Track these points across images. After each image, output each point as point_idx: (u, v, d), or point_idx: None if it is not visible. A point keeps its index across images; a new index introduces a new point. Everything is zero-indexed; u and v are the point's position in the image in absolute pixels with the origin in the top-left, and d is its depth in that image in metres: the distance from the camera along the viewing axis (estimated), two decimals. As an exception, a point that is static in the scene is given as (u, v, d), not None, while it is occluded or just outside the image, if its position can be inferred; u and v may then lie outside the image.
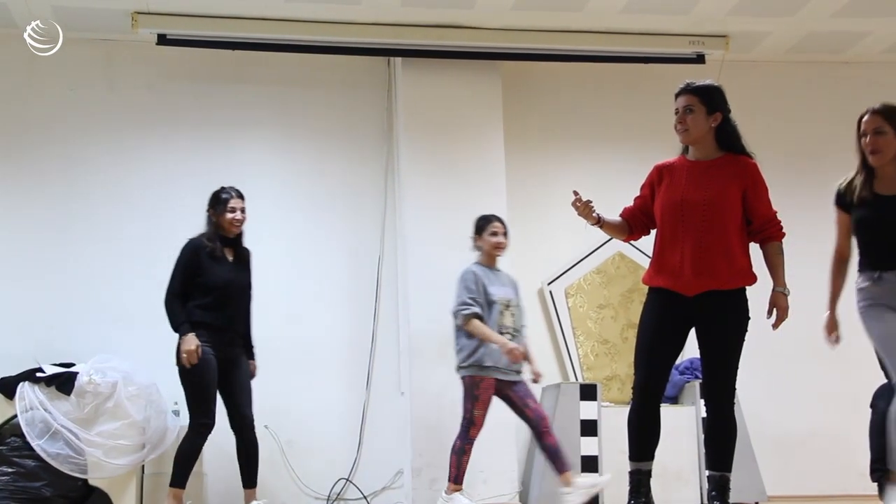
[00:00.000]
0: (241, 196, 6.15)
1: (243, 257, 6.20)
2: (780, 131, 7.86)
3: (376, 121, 7.71)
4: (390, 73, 7.73)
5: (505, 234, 6.22)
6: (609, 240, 7.32)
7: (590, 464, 6.67)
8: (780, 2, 7.14)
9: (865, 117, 4.93)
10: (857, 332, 6.97)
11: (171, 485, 5.86)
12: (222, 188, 6.17)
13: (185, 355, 5.76)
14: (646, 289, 4.90)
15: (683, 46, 7.60)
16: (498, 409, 7.06)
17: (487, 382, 5.97)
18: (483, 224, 6.23)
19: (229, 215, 6.07)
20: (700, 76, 4.96)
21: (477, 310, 5.98)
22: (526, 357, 6.06)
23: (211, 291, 5.93)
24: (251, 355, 6.21)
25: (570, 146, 7.91)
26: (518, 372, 6.06)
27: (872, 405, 6.51)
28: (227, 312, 5.97)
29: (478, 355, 5.97)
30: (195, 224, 6.44)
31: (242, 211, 6.13)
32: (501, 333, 5.97)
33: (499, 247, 6.19)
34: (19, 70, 7.37)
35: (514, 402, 6.07)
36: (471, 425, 5.98)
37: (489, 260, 6.21)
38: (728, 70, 7.23)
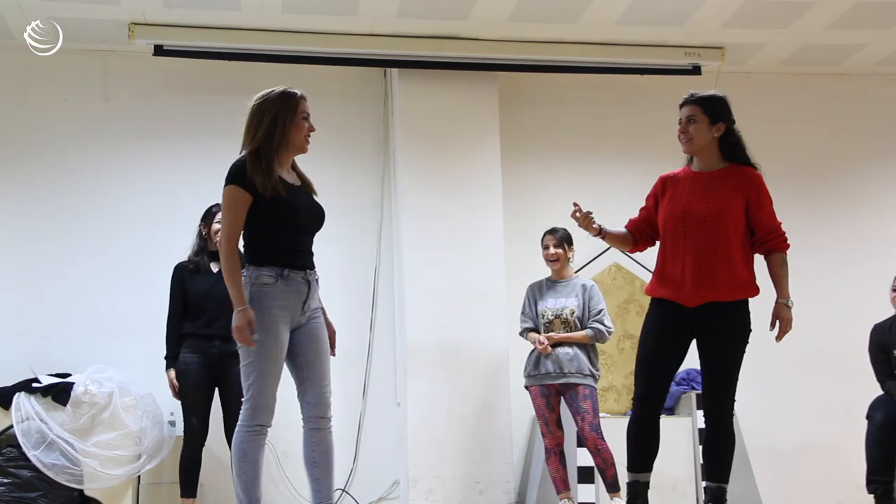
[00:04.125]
0: None
1: None
2: (776, 143, 7.87)
3: (373, 132, 7.71)
4: (387, 84, 7.74)
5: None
6: (605, 250, 7.34)
7: (586, 475, 6.66)
8: (774, 14, 7.16)
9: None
10: (852, 345, 7.04)
11: (180, 494, 6.19)
12: (214, 204, 6.38)
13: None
14: (643, 299, 4.93)
15: (679, 58, 7.62)
16: (494, 419, 7.09)
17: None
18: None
19: (215, 226, 6.30)
20: (696, 87, 4.98)
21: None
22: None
23: (192, 304, 6.24)
24: None
25: (567, 157, 7.92)
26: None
27: (868, 416, 6.54)
28: (207, 321, 6.17)
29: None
30: (191, 234, 6.46)
31: None
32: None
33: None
34: (15, 80, 7.37)
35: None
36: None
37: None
38: (724, 81, 7.25)
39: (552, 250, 6.36)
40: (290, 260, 4.45)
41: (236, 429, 4.44)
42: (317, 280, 4.59)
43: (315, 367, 4.54)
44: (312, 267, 4.57)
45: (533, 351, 6.32)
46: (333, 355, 4.76)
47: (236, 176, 4.40)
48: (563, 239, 6.36)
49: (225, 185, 4.43)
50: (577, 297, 6.30)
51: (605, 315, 6.26)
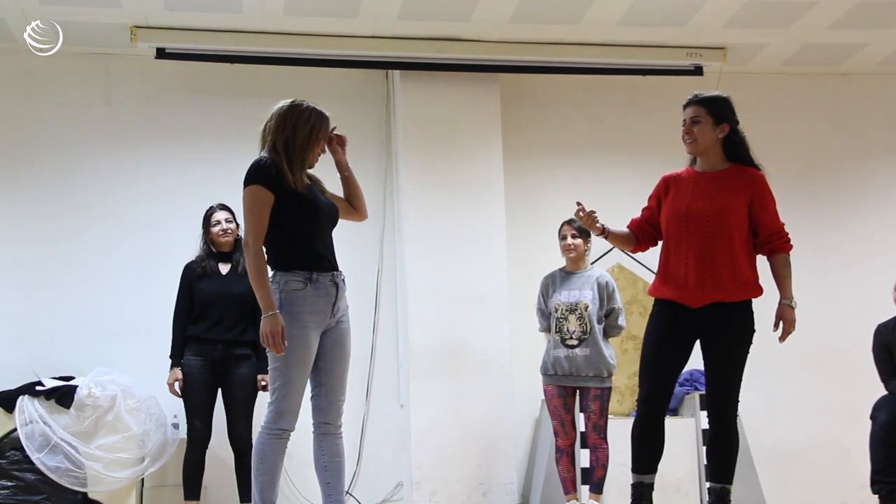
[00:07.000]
0: (224, 208, 6.41)
1: (242, 268, 6.25)
2: (778, 143, 7.86)
3: (375, 134, 7.71)
4: (388, 86, 7.74)
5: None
6: (608, 251, 7.33)
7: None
8: (776, 14, 7.16)
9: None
10: (855, 345, 7.04)
11: (184, 497, 6.19)
12: (209, 206, 6.43)
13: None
14: (646, 300, 4.92)
15: (681, 58, 7.61)
16: (497, 420, 7.09)
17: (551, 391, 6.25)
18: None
19: (214, 229, 6.34)
20: (698, 88, 4.98)
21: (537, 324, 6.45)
22: None
23: (197, 306, 6.26)
24: (264, 368, 6.12)
25: (569, 158, 7.92)
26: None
27: (872, 416, 6.54)
28: (211, 323, 6.20)
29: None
30: (193, 237, 6.47)
31: (228, 221, 6.36)
32: (563, 340, 6.15)
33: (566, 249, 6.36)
34: (17, 84, 7.37)
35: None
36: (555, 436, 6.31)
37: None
38: (726, 82, 7.25)
39: (570, 240, 6.26)
40: (318, 262, 4.44)
41: (259, 431, 4.43)
42: (343, 281, 4.56)
43: (334, 374, 4.51)
44: (338, 268, 4.55)
45: (549, 350, 6.27)
46: None
47: (258, 175, 4.39)
48: (580, 229, 6.20)
49: (246, 185, 4.41)
50: (591, 290, 6.21)
51: (621, 313, 6.26)
